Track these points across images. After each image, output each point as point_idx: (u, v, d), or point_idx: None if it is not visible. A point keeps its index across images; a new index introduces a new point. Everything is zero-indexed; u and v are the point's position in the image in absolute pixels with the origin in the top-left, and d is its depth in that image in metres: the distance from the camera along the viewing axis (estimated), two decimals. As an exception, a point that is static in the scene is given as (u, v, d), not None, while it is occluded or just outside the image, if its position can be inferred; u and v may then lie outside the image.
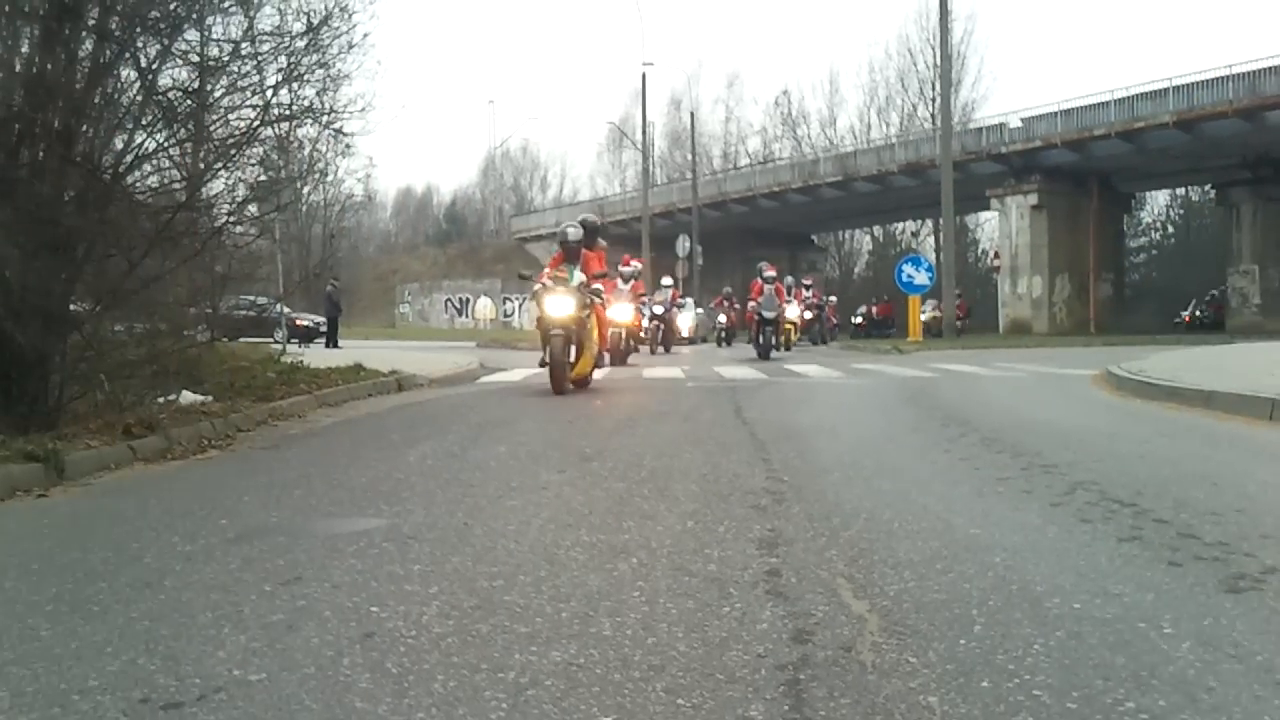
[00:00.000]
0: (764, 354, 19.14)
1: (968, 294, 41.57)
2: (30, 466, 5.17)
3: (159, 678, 2.42)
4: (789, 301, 21.99)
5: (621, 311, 17.33)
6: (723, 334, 31.06)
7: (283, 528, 4.10)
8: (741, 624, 2.79)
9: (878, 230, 59.45)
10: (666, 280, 26.99)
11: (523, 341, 29.45)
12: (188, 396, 7.91)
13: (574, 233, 11.23)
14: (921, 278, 28.44)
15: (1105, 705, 2.21)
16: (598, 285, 11.48)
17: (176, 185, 7.88)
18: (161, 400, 7.47)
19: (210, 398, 8.18)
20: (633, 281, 19.52)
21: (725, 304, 32.03)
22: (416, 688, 2.34)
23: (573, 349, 10.41)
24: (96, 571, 3.43)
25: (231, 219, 8.33)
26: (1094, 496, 4.56)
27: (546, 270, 11.05)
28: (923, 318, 37.56)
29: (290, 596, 3.09)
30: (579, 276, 10.67)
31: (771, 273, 20.38)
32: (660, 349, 24.13)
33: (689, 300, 35.90)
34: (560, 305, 10.32)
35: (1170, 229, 59.32)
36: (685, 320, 32.27)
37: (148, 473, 5.75)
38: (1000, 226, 40.29)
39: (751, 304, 20.33)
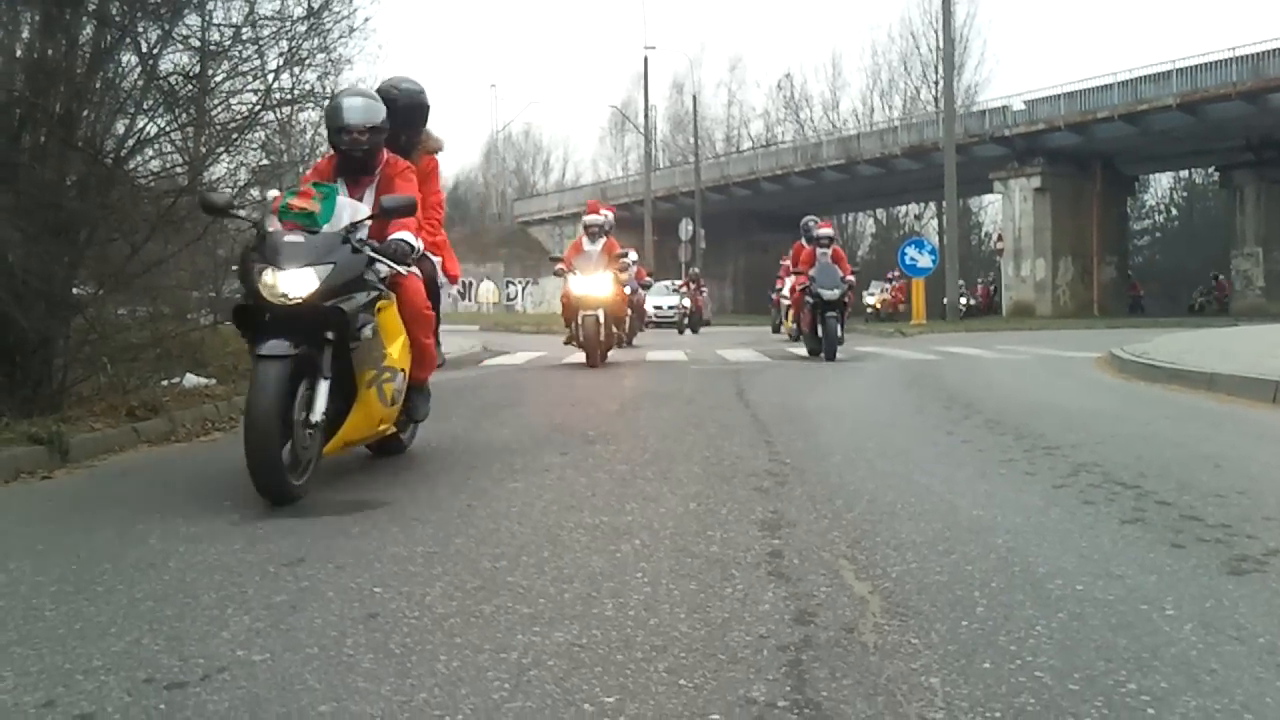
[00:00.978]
0: (826, 352, 13.22)
1: (970, 277, 41.48)
2: (34, 449, 5.18)
3: (163, 658, 2.43)
4: (856, 271, 15.35)
5: (591, 285, 12.29)
6: (685, 319, 27.22)
7: (285, 509, 4.10)
8: (744, 605, 2.79)
9: (881, 213, 59.38)
10: (630, 255, 19.30)
11: (526, 325, 29.49)
12: (191, 379, 7.92)
13: (357, 110, 4.96)
14: (925, 260, 28.42)
15: (1107, 686, 2.21)
16: (403, 234, 4.84)
17: (178, 169, 7.86)
18: (165, 383, 7.48)
19: (214, 381, 8.18)
20: (604, 239, 13.03)
21: (691, 286, 28.90)
22: (419, 668, 2.35)
23: (315, 390, 4.37)
24: (100, 553, 3.44)
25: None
26: (1097, 478, 4.56)
27: (279, 197, 4.73)
28: (870, 300, 37.36)
29: (294, 577, 3.10)
30: (349, 208, 4.70)
31: (826, 230, 14.42)
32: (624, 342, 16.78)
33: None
34: (293, 280, 4.28)
35: (1174, 211, 59.22)
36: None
37: (151, 455, 5.76)
38: (1003, 209, 40.23)
39: (791, 279, 15.52)
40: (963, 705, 2.12)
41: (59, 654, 2.47)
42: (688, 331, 26.34)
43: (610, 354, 13.28)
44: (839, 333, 13.33)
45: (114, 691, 2.23)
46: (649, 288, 23.07)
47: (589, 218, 13.47)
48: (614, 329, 13.16)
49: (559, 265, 12.79)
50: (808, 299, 13.70)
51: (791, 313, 15.09)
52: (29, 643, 2.55)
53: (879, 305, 38.43)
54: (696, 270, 31.88)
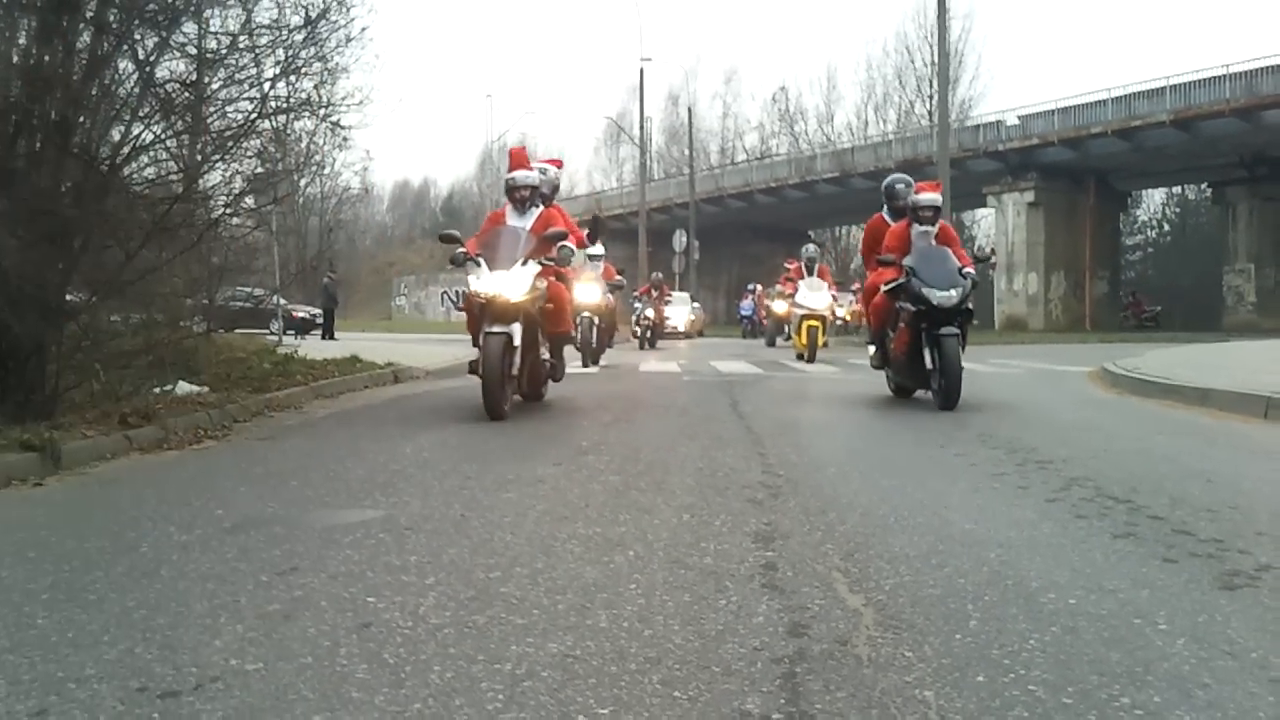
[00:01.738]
0: (943, 396, 8.22)
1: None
2: (27, 455, 5.17)
3: (156, 666, 2.42)
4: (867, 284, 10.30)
5: (502, 283, 7.64)
6: (647, 332, 22.83)
7: (279, 518, 4.09)
8: (738, 617, 2.79)
9: (875, 226, 59.43)
10: (596, 248, 13.38)
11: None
12: (184, 387, 7.91)
13: None
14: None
15: (1100, 700, 2.21)
16: None
17: (173, 177, 7.88)
18: (158, 391, 7.48)
19: (206, 388, 8.17)
20: (538, 210, 8.54)
21: (652, 294, 23.99)
22: (413, 678, 2.35)
23: None
24: (93, 560, 3.43)
25: (228, 211, 8.34)
26: (1089, 493, 4.57)
27: None
28: (839, 312, 36.14)
29: (287, 586, 3.09)
30: None
31: (931, 196, 9.05)
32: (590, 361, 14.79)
33: (684, 294, 35.68)
34: None
35: (1166, 227, 59.33)
36: (680, 314, 32.07)
37: (144, 463, 5.75)
38: (997, 224, 40.39)
39: (806, 284, 13.31)
40: (957, 718, 2.12)
41: (52, 662, 2.46)
42: (647, 346, 22.60)
43: (543, 390, 8.91)
44: (961, 362, 8.23)
45: (107, 700, 2.23)
46: (621, 288, 17.49)
47: (515, 175, 8.52)
48: (542, 356, 8.43)
49: (460, 249, 8.05)
50: (904, 306, 8.60)
51: (870, 326, 9.60)
52: (21, 651, 2.54)
53: (849, 317, 37.34)
54: (659, 275, 27.28)
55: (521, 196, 8.45)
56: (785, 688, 2.29)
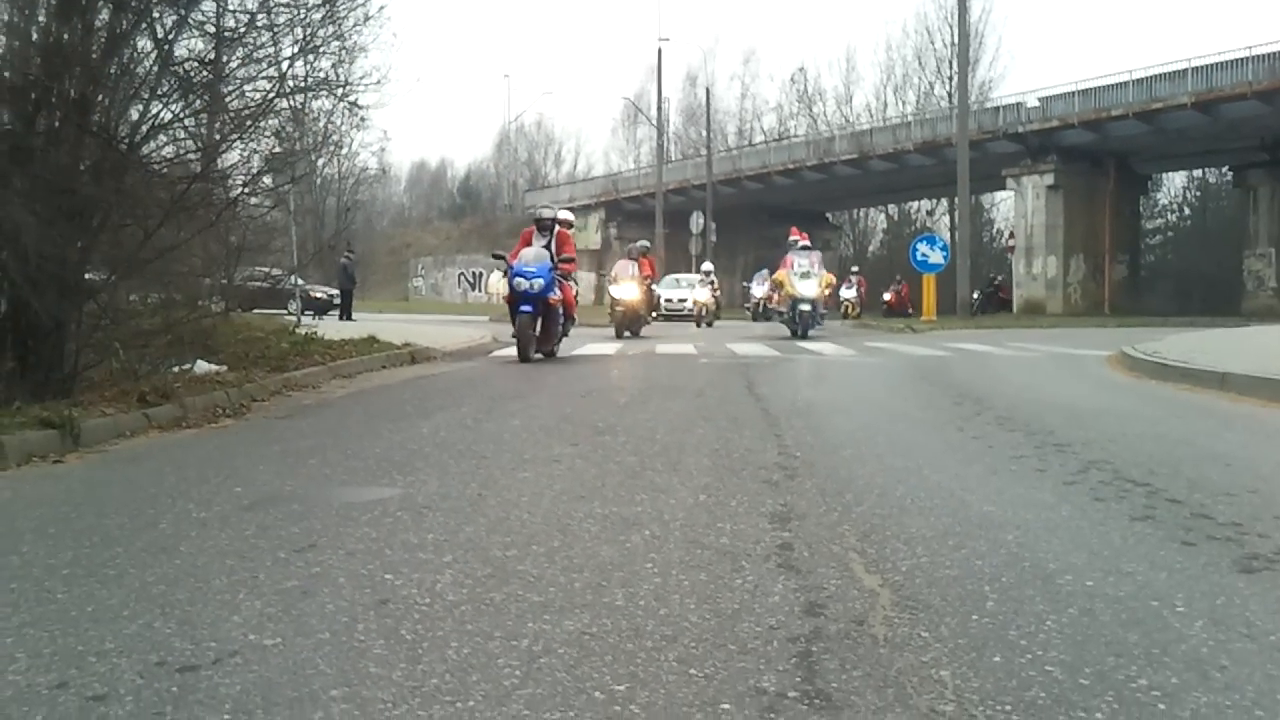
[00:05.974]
0: None
1: (979, 274, 41.06)
2: (46, 433, 5.20)
3: (175, 641, 2.44)
4: None
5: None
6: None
7: (297, 496, 4.12)
8: (754, 596, 2.79)
9: (893, 209, 59.17)
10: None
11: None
12: (202, 366, 7.94)
13: None
14: (936, 256, 28.42)
15: (1117, 681, 2.21)
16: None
17: (192, 156, 7.88)
18: (176, 369, 7.50)
19: (224, 368, 8.21)
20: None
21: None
22: (430, 654, 2.36)
23: None
24: (113, 537, 3.46)
25: (246, 190, 8.34)
26: (1107, 476, 4.55)
27: None
28: (848, 295, 36.02)
29: (305, 563, 3.11)
30: None
31: None
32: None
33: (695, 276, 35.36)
34: None
35: (1187, 211, 58.83)
36: (699, 295, 31.88)
37: (163, 440, 5.78)
38: (1016, 206, 40.05)
39: None
40: (973, 698, 2.12)
41: (71, 636, 2.48)
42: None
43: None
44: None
45: (126, 674, 2.24)
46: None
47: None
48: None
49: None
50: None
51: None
52: (42, 625, 2.56)
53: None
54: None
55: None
56: (801, 666, 2.29)
